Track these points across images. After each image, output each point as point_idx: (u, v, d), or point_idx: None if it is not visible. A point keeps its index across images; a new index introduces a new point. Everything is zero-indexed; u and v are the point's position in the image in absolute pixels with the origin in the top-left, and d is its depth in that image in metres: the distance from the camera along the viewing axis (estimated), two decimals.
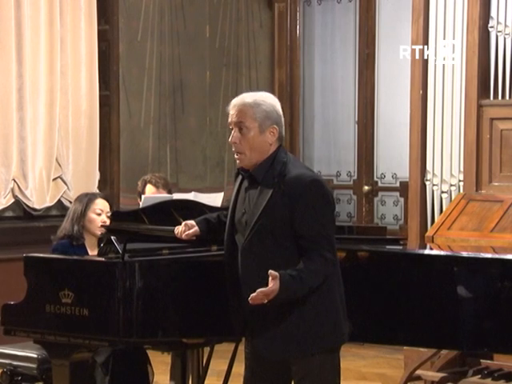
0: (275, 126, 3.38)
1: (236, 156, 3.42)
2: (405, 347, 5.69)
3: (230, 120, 3.42)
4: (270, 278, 3.22)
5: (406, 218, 7.26)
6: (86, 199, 4.56)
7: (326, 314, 3.34)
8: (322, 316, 3.33)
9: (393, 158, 7.80)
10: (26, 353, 4.39)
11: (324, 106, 8.27)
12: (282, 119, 3.43)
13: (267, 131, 3.37)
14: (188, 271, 3.82)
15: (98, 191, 7.08)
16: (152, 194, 5.25)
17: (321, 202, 3.32)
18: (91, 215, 4.50)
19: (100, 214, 4.51)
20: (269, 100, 3.41)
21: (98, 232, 4.41)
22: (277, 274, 3.23)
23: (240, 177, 3.50)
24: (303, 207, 3.29)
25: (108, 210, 4.55)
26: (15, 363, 4.39)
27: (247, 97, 3.42)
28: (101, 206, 4.54)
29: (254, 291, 3.25)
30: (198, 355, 4.65)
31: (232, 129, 3.41)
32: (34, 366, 4.34)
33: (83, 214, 4.49)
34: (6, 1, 6.72)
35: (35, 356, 4.34)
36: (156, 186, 5.33)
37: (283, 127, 3.44)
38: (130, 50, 7.58)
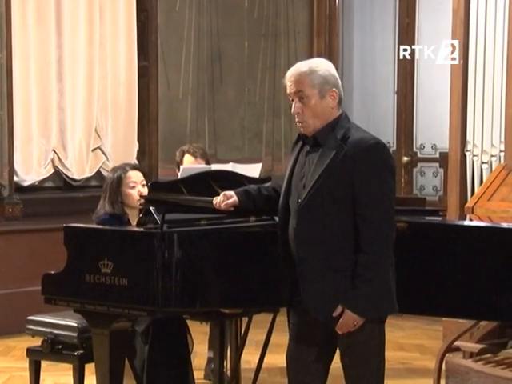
0: (334, 89, 3.37)
1: (299, 124, 3.41)
2: (444, 318, 5.66)
3: (288, 91, 3.40)
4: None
5: (445, 189, 7.20)
6: (117, 174, 4.42)
7: (379, 282, 3.29)
8: (375, 284, 3.29)
9: (432, 129, 7.72)
10: (66, 322, 4.42)
11: (363, 75, 8.21)
12: (339, 81, 3.42)
13: (327, 95, 3.36)
14: (226, 242, 3.81)
15: (134, 161, 7.09)
16: (190, 164, 5.26)
17: (381, 166, 3.30)
18: (126, 190, 4.38)
19: (134, 186, 4.39)
20: (323, 65, 3.40)
21: (137, 204, 4.26)
22: (338, 308, 3.28)
23: (300, 142, 3.48)
24: (363, 169, 3.26)
25: (142, 179, 4.43)
26: (56, 332, 4.42)
27: (301, 66, 3.40)
28: (133, 178, 4.41)
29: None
30: (237, 325, 4.68)
31: (292, 100, 3.40)
32: (74, 334, 4.37)
33: (118, 192, 4.38)
34: None
35: (75, 325, 4.37)
36: (194, 155, 5.36)
37: (341, 89, 3.42)
38: (168, 20, 7.57)
